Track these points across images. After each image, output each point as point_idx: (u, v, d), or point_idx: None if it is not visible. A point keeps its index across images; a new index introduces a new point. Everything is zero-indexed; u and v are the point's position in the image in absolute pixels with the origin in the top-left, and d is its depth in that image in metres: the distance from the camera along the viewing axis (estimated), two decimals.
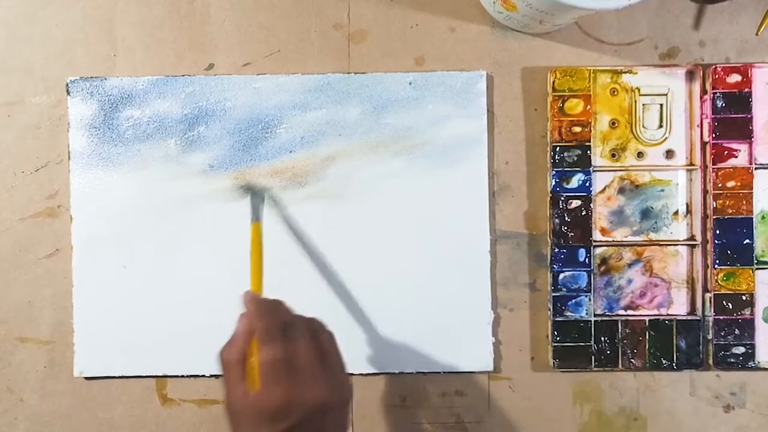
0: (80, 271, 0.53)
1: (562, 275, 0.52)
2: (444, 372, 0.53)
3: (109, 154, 0.53)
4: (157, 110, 0.53)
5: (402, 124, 0.53)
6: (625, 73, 0.52)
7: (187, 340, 0.53)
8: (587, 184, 0.52)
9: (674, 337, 0.52)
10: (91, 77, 0.53)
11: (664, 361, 0.52)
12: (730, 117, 0.52)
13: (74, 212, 0.53)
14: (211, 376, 0.53)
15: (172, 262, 0.53)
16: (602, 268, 0.53)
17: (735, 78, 0.52)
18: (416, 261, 0.53)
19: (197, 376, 0.53)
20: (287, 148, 0.53)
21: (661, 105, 0.53)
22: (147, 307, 0.53)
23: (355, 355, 0.53)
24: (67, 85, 0.52)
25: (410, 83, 0.53)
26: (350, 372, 0.53)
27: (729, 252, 0.52)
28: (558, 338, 0.52)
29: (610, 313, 0.53)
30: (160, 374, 0.53)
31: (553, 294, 0.52)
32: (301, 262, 0.53)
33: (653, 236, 0.53)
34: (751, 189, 0.52)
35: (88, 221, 0.53)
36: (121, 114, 0.53)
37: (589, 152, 0.52)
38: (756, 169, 0.52)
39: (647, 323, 0.52)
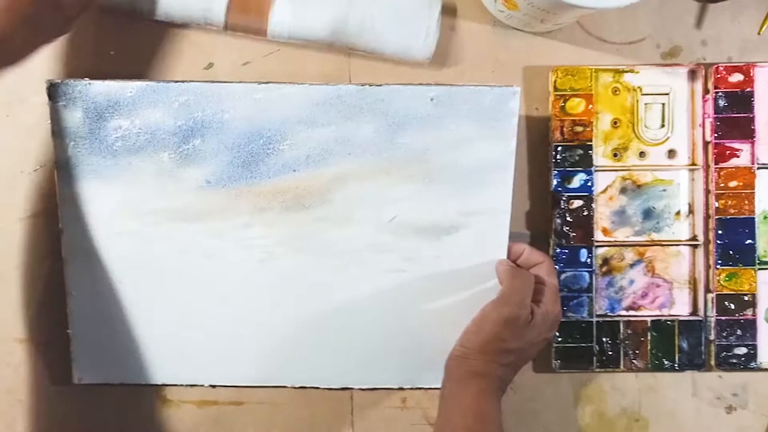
0: (74, 282, 0.51)
1: (563, 275, 0.52)
2: None
3: (98, 166, 0.49)
4: (148, 120, 0.48)
5: (419, 144, 0.48)
6: (626, 72, 0.52)
7: (184, 350, 0.52)
8: (589, 184, 0.52)
9: (676, 337, 0.52)
10: (74, 81, 0.48)
11: (665, 362, 0.52)
12: (732, 116, 0.51)
13: (63, 224, 0.50)
14: (210, 386, 0.53)
15: (167, 277, 0.51)
16: (604, 269, 0.53)
17: (737, 77, 0.51)
18: (427, 289, 0.50)
19: (195, 385, 0.52)
20: (290, 167, 0.49)
21: (663, 104, 0.52)
22: (143, 319, 0.51)
23: (365, 372, 0.52)
24: (48, 88, 0.48)
25: (432, 99, 0.48)
26: (350, 386, 0.53)
27: (731, 252, 0.52)
28: (560, 339, 0.52)
29: (612, 314, 0.53)
30: (159, 383, 0.52)
31: None
32: (310, 284, 0.51)
33: (655, 236, 0.53)
34: (753, 189, 0.52)
35: (78, 234, 0.50)
36: (108, 123, 0.48)
37: (590, 152, 0.52)
38: (758, 168, 0.52)
39: (649, 324, 0.52)
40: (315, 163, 0.49)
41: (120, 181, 0.49)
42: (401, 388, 0.52)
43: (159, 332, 0.51)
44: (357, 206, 0.49)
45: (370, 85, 0.48)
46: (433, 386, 0.52)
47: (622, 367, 0.52)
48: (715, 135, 0.51)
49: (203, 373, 0.52)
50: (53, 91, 0.48)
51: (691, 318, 0.52)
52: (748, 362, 0.52)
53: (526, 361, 0.49)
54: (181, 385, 0.53)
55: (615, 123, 0.52)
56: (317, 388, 0.52)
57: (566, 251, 0.52)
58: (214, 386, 0.53)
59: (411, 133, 0.48)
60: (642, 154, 0.53)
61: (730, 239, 0.52)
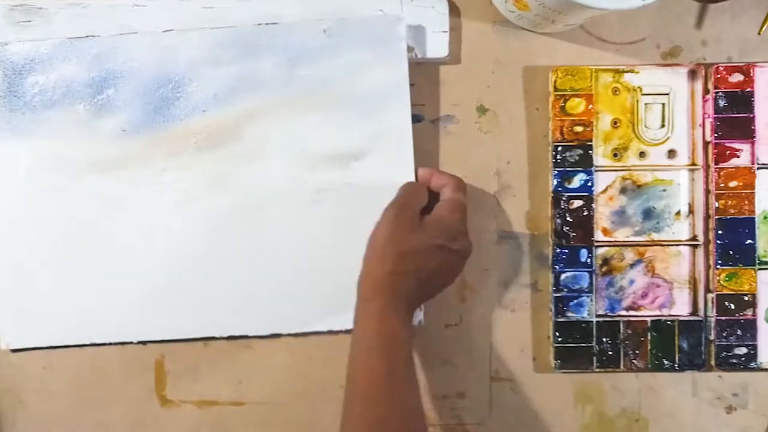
0: None
1: (563, 276, 0.52)
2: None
3: (17, 123, 0.51)
4: (63, 74, 0.51)
5: (318, 75, 0.51)
6: (627, 72, 0.52)
7: (110, 306, 0.51)
8: (589, 184, 0.52)
9: (676, 337, 0.52)
10: None
11: (665, 362, 0.52)
12: (732, 116, 0.51)
13: None
14: (138, 342, 0.52)
15: (87, 230, 0.51)
16: (604, 269, 0.53)
17: (737, 77, 0.51)
18: (343, 219, 0.51)
19: (125, 343, 0.52)
20: (200, 108, 0.51)
21: (663, 104, 0.52)
22: (65, 276, 0.51)
23: (294, 315, 0.51)
24: None
25: (324, 31, 0.50)
26: (280, 332, 0.52)
27: (731, 252, 0.52)
28: (560, 339, 0.52)
29: (612, 314, 0.53)
30: (87, 343, 0.52)
31: (555, 294, 0.52)
32: (229, 224, 0.51)
33: (655, 236, 0.53)
34: (754, 189, 0.52)
35: None
36: (25, 80, 0.51)
37: (590, 152, 0.52)
38: (758, 168, 0.52)
39: (649, 324, 0.52)
40: (223, 101, 0.51)
41: (38, 136, 0.51)
42: (330, 331, 0.51)
43: (82, 289, 0.51)
44: (266, 141, 0.51)
45: (267, 24, 0.50)
46: None
47: (622, 367, 0.52)
48: (715, 135, 0.51)
49: (132, 328, 0.52)
50: None
51: (691, 318, 0.52)
52: (748, 362, 0.52)
53: (430, 279, 0.47)
54: (110, 344, 0.52)
55: (615, 123, 0.52)
56: (247, 336, 0.52)
57: (566, 251, 0.52)
58: (144, 342, 0.52)
59: (308, 65, 0.51)
60: (642, 154, 0.53)
61: (730, 239, 0.52)
